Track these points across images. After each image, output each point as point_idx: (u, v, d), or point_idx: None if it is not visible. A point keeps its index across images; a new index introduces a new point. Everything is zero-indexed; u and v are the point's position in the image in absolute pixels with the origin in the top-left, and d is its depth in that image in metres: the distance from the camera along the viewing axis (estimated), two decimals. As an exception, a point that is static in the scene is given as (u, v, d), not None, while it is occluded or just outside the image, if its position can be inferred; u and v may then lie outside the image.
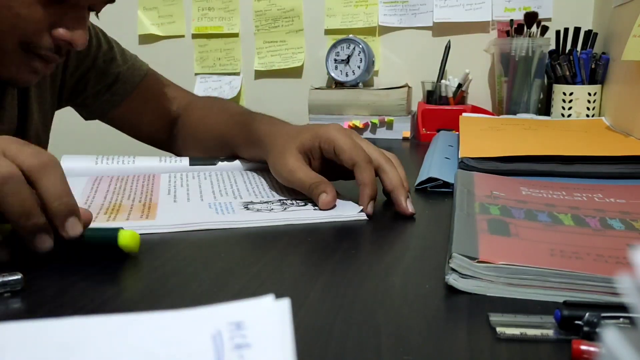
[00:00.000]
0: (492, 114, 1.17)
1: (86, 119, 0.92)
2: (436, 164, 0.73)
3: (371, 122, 1.19)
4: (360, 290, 0.39)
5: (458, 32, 1.32)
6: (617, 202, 0.55)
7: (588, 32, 1.15)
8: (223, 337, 0.26)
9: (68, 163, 0.69)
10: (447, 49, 1.23)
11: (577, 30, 1.15)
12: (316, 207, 0.57)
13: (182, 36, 1.49)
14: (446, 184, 0.66)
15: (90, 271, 0.42)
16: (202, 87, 1.48)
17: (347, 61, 1.29)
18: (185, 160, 0.75)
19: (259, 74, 1.47)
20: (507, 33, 1.21)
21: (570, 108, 1.12)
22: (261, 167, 0.72)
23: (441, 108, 1.18)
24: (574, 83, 1.12)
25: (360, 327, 0.33)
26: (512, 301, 0.37)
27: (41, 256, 0.43)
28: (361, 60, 1.28)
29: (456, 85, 1.20)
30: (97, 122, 0.92)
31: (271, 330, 0.27)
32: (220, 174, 0.71)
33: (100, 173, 0.66)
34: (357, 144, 0.57)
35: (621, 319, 0.31)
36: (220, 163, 0.74)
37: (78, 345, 0.26)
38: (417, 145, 1.12)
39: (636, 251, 0.17)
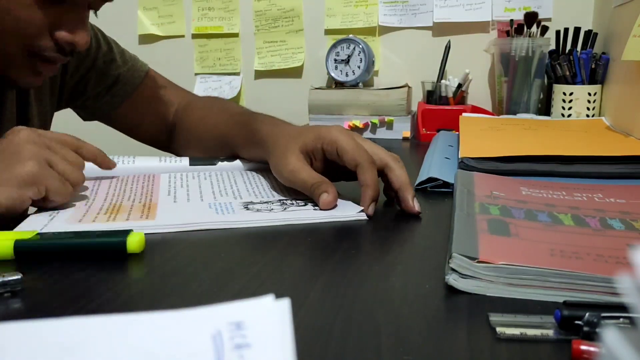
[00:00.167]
0: (492, 114, 1.17)
1: (85, 119, 0.92)
2: (436, 164, 0.73)
3: (371, 122, 1.19)
4: (360, 290, 0.39)
5: (458, 32, 1.32)
6: (617, 202, 0.55)
7: (588, 32, 1.15)
8: (223, 337, 0.26)
9: None
10: (447, 49, 1.23)
11: (577, 30, 1.15)
12: (316, 207, 0.57)
13: (182, 36, 1.49)
14: (446, 184, 0.66)
15: (90, 271, 0.42)
16: (202, 87, 1.48)
17: (347, 61, 1.29)
18: (185, 160, 0.75)
19: (259, 74, 1.47)
20: (507, 33, 1.21)
21: (570, 108, 1.12)
22: (261, 167, 0.72)
23: (441, 108, 1.18)
24: (574, 83, 1.12)
25: (360, 327, 0.33)
26: (512, 301, 0.37)
27: (41, 256, 0.44)
28: (361, 60, 1.28)
29: (456, 85, 1.20)
30: (96, 122, 0.92)
31: (271, 330, 0.27)
32: (220, 174, 0.71)
33: (101, 173, 0.66)
34: (360, 145, 0.57)
35: (621, 319, 0.31)
36: (220, 163, 0.74)
37: (78, 346, 0.26)
38: (417, 145, 1.11)
39: (636, 251, 0.17)
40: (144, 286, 0.41)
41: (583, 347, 0.29)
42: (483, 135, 0.89)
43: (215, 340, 0.26)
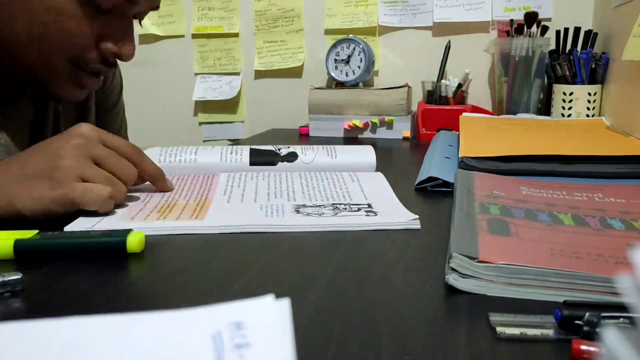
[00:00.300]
0: (492, 114, 1.17)
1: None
2: (436, 164, 0.73)
3: (371, 122, 1.19)
4: (360, 290, 0.39)
5: (458, 32, 1.32)
6: (617, 202, 0.55)
7: (588, 32, 1.15)
8: (223, 337, 0.26)
9: None
10: (447, 49, 1.23)
11: (577, 30, 1.16)
12: (369, 214, 0.55)
13: (182, 36, 1.49)
14: (446, 184, 0.66)
15: (90, 271, 0.42)
16: (202, 87, 1.48)
17: (347, 61, 1.29)
18: (245, 159, 0.75)
19: (259, 74, 1.47)
20: (507, 33, 1.21)
21: (570, 108, 1.12)
22: (322, 169, 0.74)
23: (441, 108, 1.18)
24: (574, 83, 1.12)
25: (360, 327, 0.33)
26: (512, 301, 0.37)
27: (41, 256, 0.44)
28: (361, 60, 1.28)
29: (456, 85, 1.20)
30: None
31: (271, 330, 0.27)
32: (279, 175, 0.72)
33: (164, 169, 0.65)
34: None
35: (621, 319, 0.31)
36: (280, 163, 0.75)
37: (78, 345, 0.26)
38: (417, 145, 1.11)
39: (636, 251, 0.17)
40: (144, 286, 0.41)
41: (583, 347, 0.29)
42: (483, 135, 0.89)
43: (215, 340, 0.26)
